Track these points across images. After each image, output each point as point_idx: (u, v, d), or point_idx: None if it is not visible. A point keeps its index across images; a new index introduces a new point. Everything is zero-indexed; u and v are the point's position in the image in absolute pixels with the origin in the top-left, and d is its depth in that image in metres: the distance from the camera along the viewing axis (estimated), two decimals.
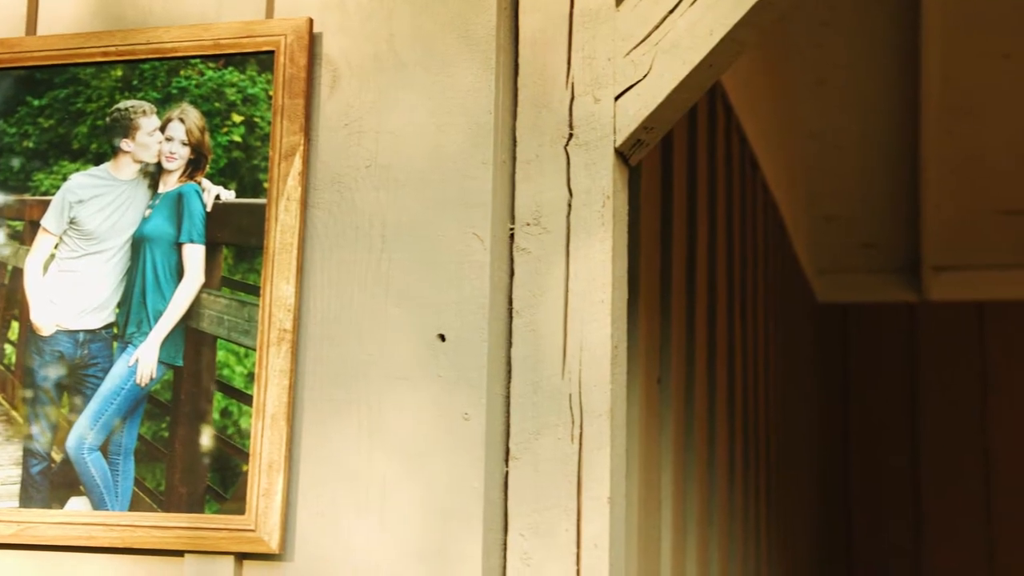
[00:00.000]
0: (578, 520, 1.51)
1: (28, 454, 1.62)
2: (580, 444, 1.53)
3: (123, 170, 1.65)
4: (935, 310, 5.52)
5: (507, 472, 1.54)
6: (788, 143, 4.68)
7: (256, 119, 1.62)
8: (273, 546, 1.51)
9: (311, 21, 1.62)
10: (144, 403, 1.59)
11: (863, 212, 5.29)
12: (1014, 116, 4.80)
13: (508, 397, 1.56)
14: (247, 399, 1.56)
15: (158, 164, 1.64)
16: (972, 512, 5.41)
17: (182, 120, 1.64)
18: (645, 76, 1.58)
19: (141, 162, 1.65)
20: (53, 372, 1.63)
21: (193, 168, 1.63)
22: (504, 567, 1.52)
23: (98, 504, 1.58)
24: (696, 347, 2.80)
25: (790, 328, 4.53)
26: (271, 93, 1.61)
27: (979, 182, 5.09)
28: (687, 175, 2.79)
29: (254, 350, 1.57)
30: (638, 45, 1.58)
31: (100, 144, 1.67)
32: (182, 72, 1.65)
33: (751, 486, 3.48)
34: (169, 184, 1.63)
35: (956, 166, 5.00)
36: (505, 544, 1.53)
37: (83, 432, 1.60)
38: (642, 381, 2.33)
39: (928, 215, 5.13)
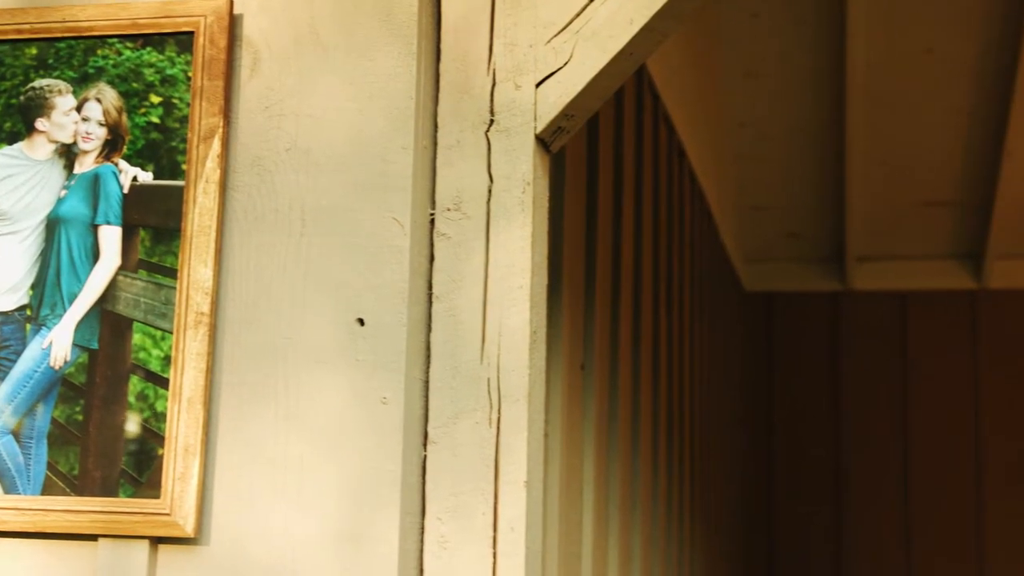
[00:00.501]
0: (495, 504, 1.52)
1: None
2: (498, 428, 1.54)
3: (38, 150, 1.63)
4: (859, 299, 5.62)
5: (425, 456, 1.55)
6: (716, 133, 4.72)
7: (175, 100, 1.61)
8: (188, 530, 1.51)
9: (231, 2, 1.61)
10: (58, 386, 1.57)
11: (789, 202, 5.36)
12: (936, 109, 4.89)
13: (427, 381, 1.56)
14: (163, 383, 1.55)
15: (74, 144, 1.62)
16: (891, 498, 5.52)
17: (99, 100, 1.62)
18: (566, 64, 1.59)
19: (56, 142, 1.63)
20: None
21: (110, 149, 1.61)
22: (421, 550, 1.53)
23: (9, 488, 1.56)
24: (620, 334, 2.83)
25: (717, 316, 4.59)
26: (190, 74, 1.60)
27: (902, 174, 5.18)
28: (613, 162, 2.81)
29: (171, 333, 1.56)
30: (559, 33, 1.59)
31: (14, 123, 1.64)
32: (99, 51, 1.63)
33: (675, 472, 3.53)
34: (85, 165, 1.61)
35: (880, 158, 5.09)
36: (422, 527, 1.53)
37: None
38: (565, 367, 2.35)
39: (852, 206, 5.22)
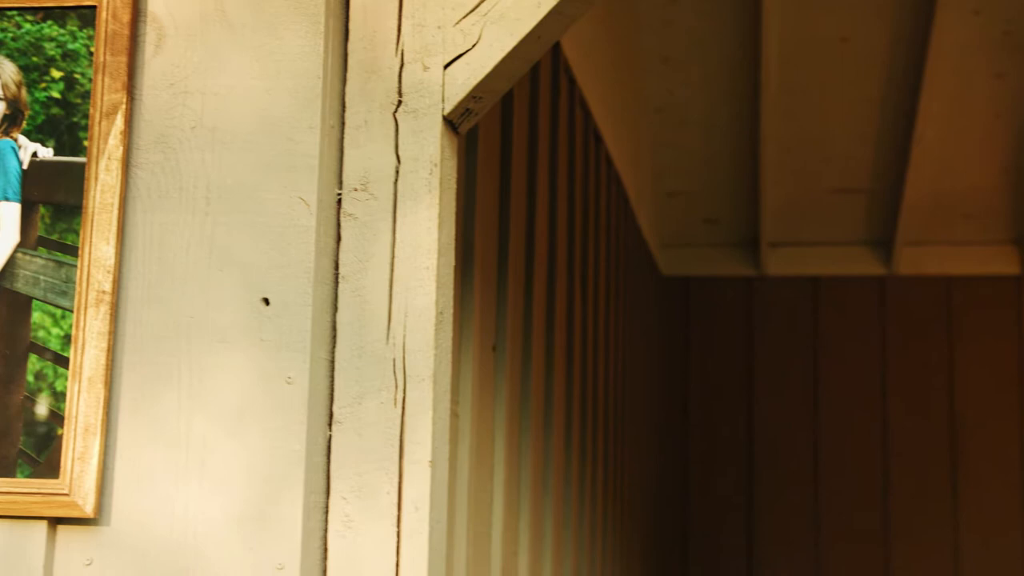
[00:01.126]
0: (399, 483, 1.53)
1: None
2: (403, 408, 1.55)
3: None
4: (772, 284, 5.71)
5: (330, 436, 1.55)
6: (634, 118, 4.76)
7: (77, 75, 1.58)
8: (88, 510, 1.49)
9: None
10: None
11: (705, 188, 5.43)
12: (848, 98, 4.99)
13: (332, 361, 1.56)
14: (63, 362, 1.53)
15: None
16: (801, 479, 5.64)
17: None
18: (474, 46, 1.59)
19: None
20: None
21: (9, 124, 1.58)
22: (325, 529, 1.53)
23: None
24: (534, 316, 2.85)
25: (633, 299, 4.63)
26: (92, 49, 1.58)
27: (815, 161, 5.27)
28: (527, 144, 2.82)
29: (71, 312, 1.53)
30: (468, 15, 1.60)
31: None
32: None
33: (588, 453, 3.56)
34: None
35: (793, 145, 5.17)
36: (327, 507, 1.54)
37: None
38: (476, 348, 2.36)
39: (766, 192, 5.30)
